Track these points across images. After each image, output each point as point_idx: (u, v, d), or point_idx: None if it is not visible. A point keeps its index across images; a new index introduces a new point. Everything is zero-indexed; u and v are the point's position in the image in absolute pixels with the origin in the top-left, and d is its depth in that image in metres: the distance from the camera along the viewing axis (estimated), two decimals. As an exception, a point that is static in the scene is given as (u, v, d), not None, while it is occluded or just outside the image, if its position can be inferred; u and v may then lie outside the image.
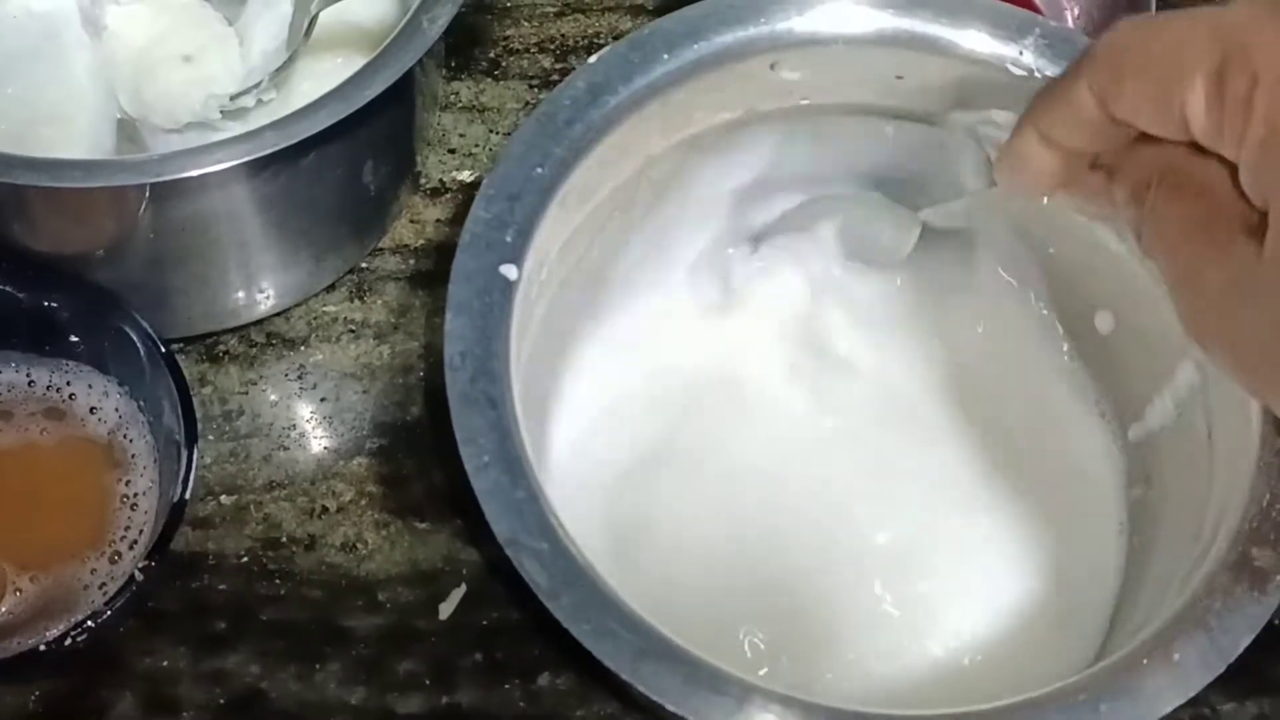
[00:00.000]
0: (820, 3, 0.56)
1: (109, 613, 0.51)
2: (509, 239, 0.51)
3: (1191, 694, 0.45)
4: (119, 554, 0.56)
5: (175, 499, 0.53)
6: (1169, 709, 0.45)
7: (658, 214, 0.60)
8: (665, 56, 0.55)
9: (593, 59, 0.55)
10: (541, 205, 0.52)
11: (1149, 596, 0.54)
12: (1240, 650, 0.46)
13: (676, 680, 0.44)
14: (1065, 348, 0.62)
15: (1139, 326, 0.58)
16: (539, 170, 0.52)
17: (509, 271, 0.50)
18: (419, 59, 0.56)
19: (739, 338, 0.61)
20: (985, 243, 0.62)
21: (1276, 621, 0.52)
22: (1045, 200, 0.49)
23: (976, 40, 0.55)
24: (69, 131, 0.63)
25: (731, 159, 0.60)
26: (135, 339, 0.57)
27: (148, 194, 0.54)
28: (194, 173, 0.52)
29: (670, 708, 0.44)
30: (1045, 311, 0.63)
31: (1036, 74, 0.55)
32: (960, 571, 0.58)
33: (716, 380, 0.60)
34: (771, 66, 0.56)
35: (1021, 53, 0.55)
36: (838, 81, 0.57)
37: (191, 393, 0.62)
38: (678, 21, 0.55)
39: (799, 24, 0.56)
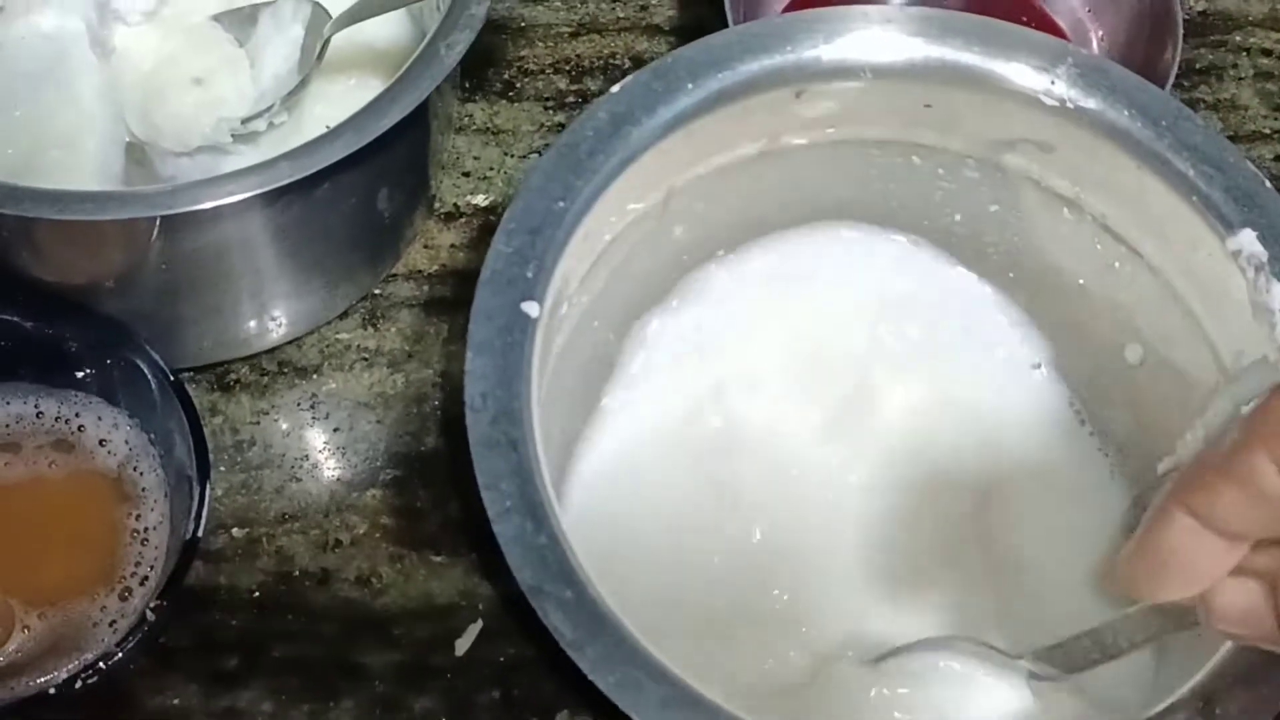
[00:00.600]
0: (848, 31, 0.55)
1: (119, 655, 0.50)
2: (530, 274, 0.50)
3: (1233, 750, 0.44)
4: (129, 590, 0.55)
5: (188, 536, 0.52)
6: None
7: (681, 246, 0.59)
8: (689, 86, 0.53)
9: (615, 88, 0.53)
10: (563, 239, 0.51)
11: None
12: (1282, 708, 0.45)
13: (705, 733, 0.42)
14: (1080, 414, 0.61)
15: (1169, 359, 0.57)
16: (560, 203, 0.51)
17: (531, 309, 0.49)
18: (438, 84, 0.55)
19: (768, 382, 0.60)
20: (1017, 276, 0.62)
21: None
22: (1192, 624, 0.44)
23: (1008, 69, 0.54)
24: (77, 155, 0.62)
25: (758, 190, 0.59)
26: (145, 370, 0.56)
27: (158, 225, 0.53)
28: (206, 205, 0.51)
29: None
30: (1060, 384, 0.62)
31: (1069, 104, 0.54)
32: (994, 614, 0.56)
33: (743, 427, 0.59)
34: (797, 96, 0.55)
35: (1054, 83, 0.54)
36: (866, 111, 0.56)
37: (202, 423, 0.61)
38: (701, 50, 0.54)
39: (826, 52, 0.55)
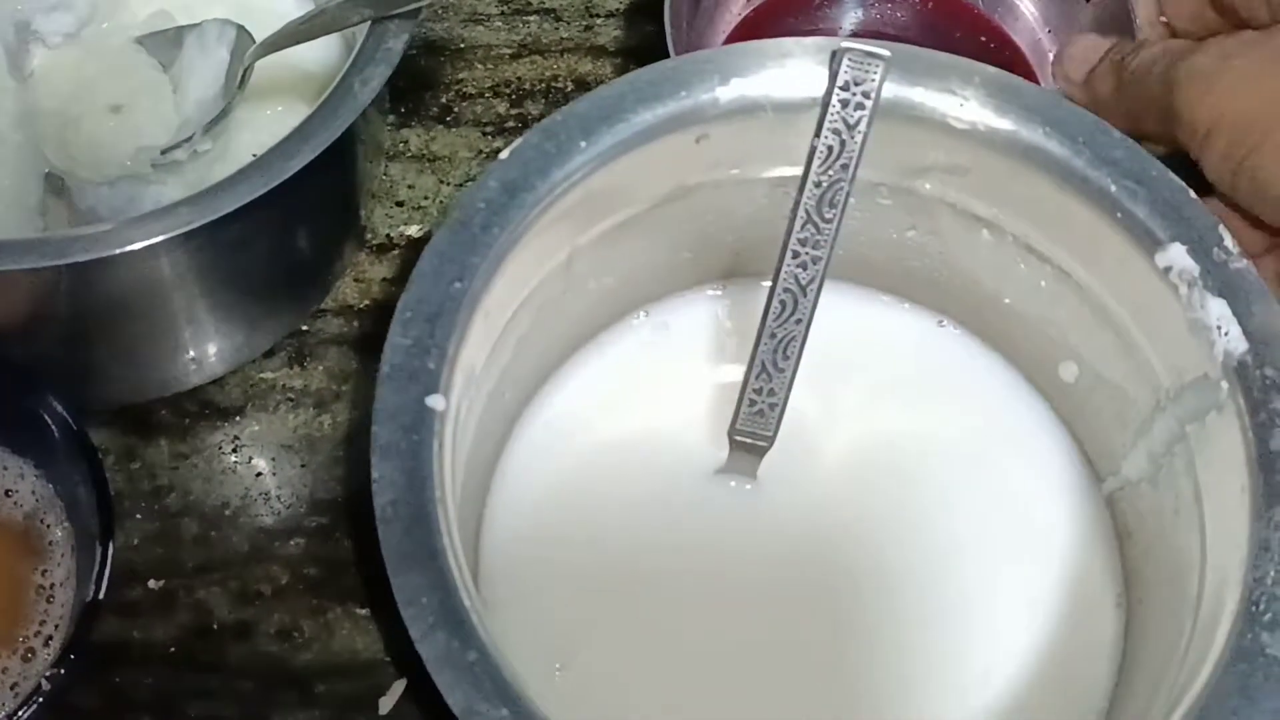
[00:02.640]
0: (745, 70, 0.54)
1: (15, 724, 0.49)
2: (432, 365, 0.49)
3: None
4: (32, 651, 0.54)
5: (89, 598, 0.51)
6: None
7: (590, 304, 0.59)
8: (582, 144, 0.52)
9: (504, 153, 0.52)
10: (465, 322, 0.50)
11: (1148, 671, 0.53)
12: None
13: None
14: (1041, 404, 0.62)
15: (1106, 377, 0.58)
16: (457, 284, 0.50)
17: (436, 403, 0.48)
18: (351, 123, 0.54)
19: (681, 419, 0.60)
20: (941, 298, 0.62)
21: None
22: None
23: (913, 94, 0.54)
24: (-12, 185, 0.61)
25: (665, 238, 0.58)
26: (50, 421, 0.55)
27: (60, 273, 0.52)
28: (105, 253, 0.50)
29: None
30: (1013, 369, 0.62)
31: (980, 126, 0.53)
32: (949, 654, 0.56)
33: (659, 468, 0.59)
34: (698, 141, 0.54)
35: (963, 105, 0.53)
36: (770, 149, 0.55)
37: (118, 468, 0.61)
38: (592, 104, 0.53)
39: (724, 93, 0.54)
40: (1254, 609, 0.47)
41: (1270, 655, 0.46)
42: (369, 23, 0.58)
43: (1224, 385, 0.50)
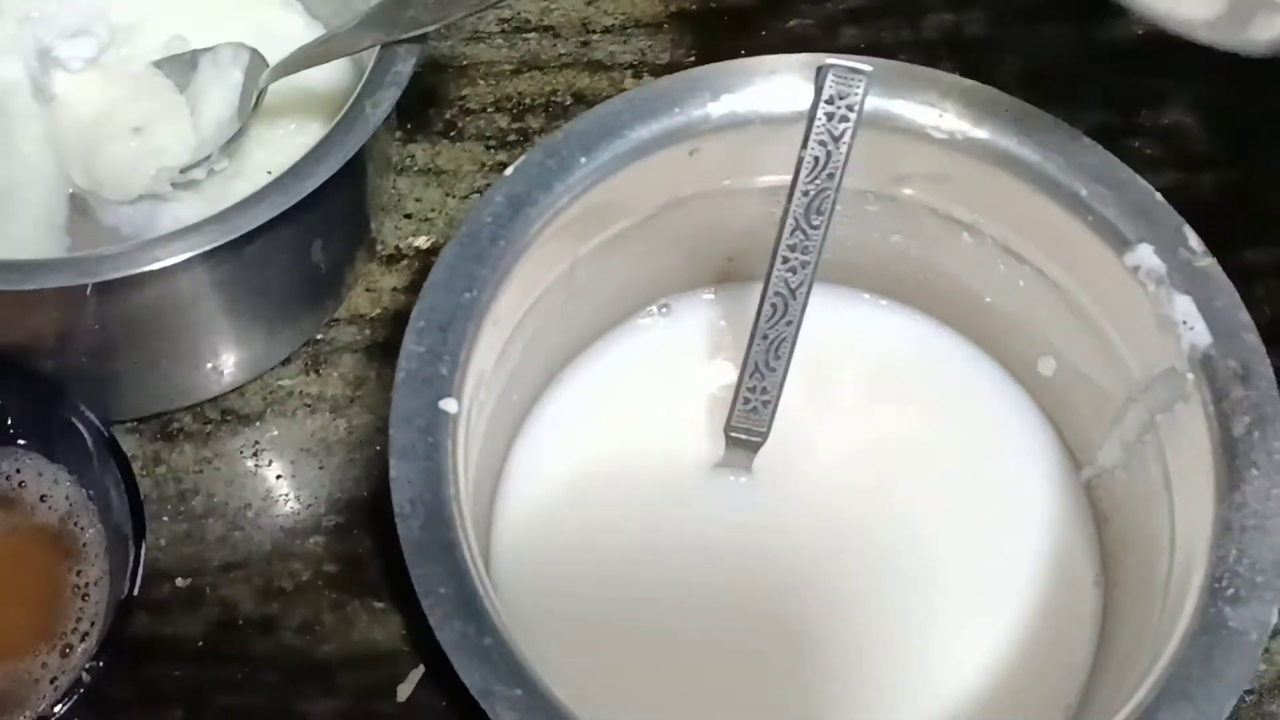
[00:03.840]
0: (735, 86, 0.57)
1: (56, 715, 0.52)
2: (444, 371, 0.51)
3: (1178, 768, 0.47)
4: (70, 647, 0.56)
5: (123, 596, 0.54)
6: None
7: (591, 309, 0.62)
8: (583, 160, 0.56)
9: (509, 170, 0.56)
10: (475, 329, 0.53)
11: (1123, 646, 0.56)
12: (1225, 718, 0.47)
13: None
14: (1022, 397, 0.64)
15: (1082, 371, 0.60)
16: (468, 294, 0.53)
17: (449, 406, 0.51)
18: (363, 143, 0.57)
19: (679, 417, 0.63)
20: (926, 298, 0.64)
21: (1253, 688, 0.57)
22: None
23: (892, 106, 0.57)
24: (17, 206, 0.64)
25: (661, 246, 0.61)
26: (82, 429, 0.57)
27: (89, 291, 0.55)
28: (132, 271, 0.53)
29: None
30: (995, 364, 0.65)
31: (958, 136, 0.56)
32: (939, 634, 0.59)
33: (659, 464, 0.62)
34: (690, 154, 0.57)
35: (941, 115, 0.56)
36: (759, 161, 0.58)
37: (145, 473, 0.63)
38: (591, 122, 0.57)
39: (714, 109, 0.57)
40: (1217, 585, 0.49)
41: (1232, 628, 0.48)
42: (378, 47, 0.61)
43: (1190, 377, 0.53)
